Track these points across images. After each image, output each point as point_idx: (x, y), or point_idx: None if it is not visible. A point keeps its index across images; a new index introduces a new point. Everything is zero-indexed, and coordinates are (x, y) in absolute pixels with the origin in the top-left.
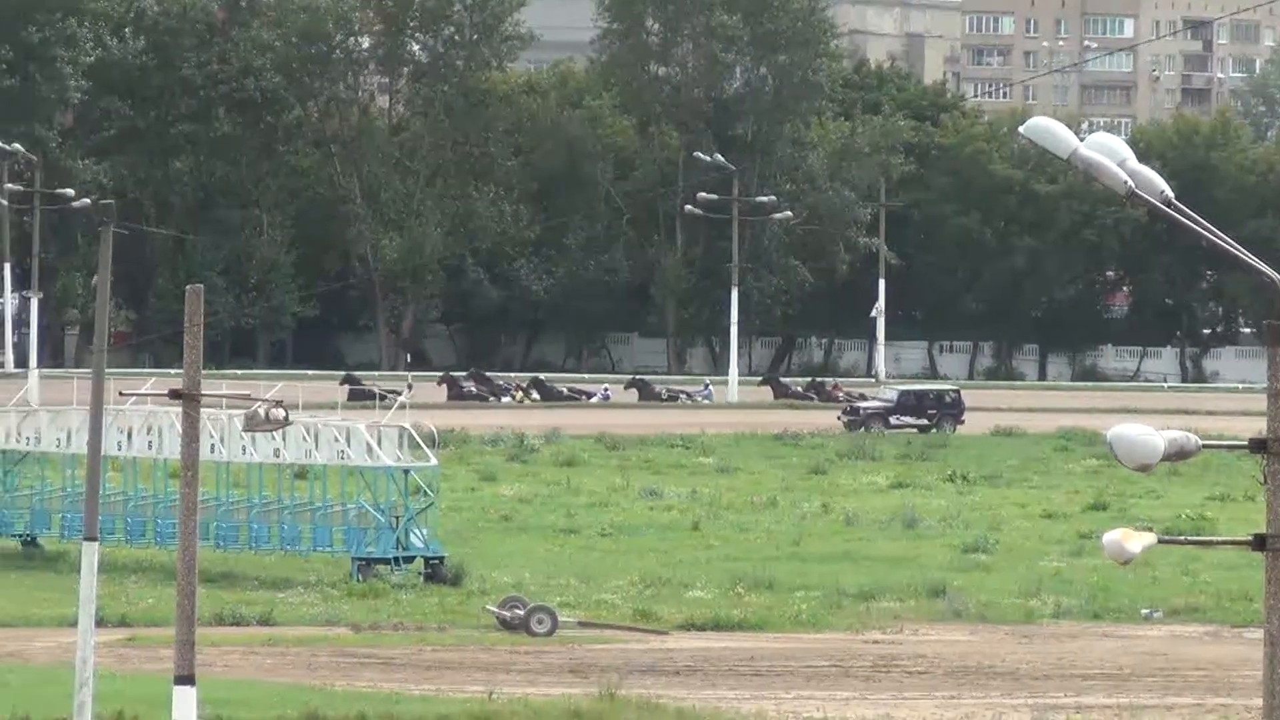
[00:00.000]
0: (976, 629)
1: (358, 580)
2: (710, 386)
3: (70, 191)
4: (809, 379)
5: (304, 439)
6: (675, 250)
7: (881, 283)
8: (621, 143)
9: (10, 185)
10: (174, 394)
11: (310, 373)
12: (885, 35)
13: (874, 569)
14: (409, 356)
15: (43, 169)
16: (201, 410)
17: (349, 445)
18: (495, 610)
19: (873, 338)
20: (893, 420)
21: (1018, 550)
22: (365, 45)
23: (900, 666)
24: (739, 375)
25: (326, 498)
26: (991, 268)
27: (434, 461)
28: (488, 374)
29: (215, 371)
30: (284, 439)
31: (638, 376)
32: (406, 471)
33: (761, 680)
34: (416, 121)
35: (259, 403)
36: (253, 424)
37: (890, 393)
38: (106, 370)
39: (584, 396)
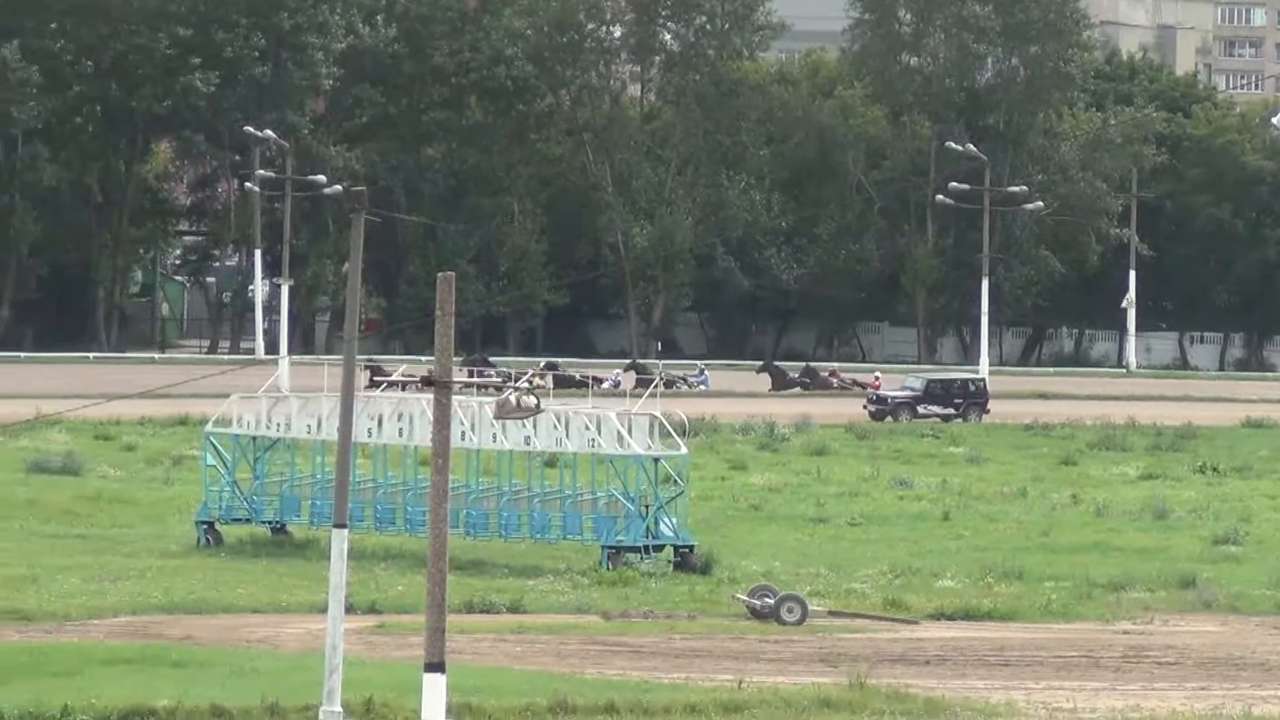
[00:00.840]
0: (1227, 620)
1: (607, 568)
2: (705, 372)
3: (322, 178)
4: (804, 364)
5: (555, 427)
6: (926, 240)
7: (1133, 274)
8: (873, 132)
9: (262, 172)
10: (425, 381)
11: (560, 360)
12: (1137, 27)
13: (1124, 560)
14: (660, 344)
15: (294, 156)
16: (452, 397)
17: (599, 433)
18: (745, 599)
19: (1123, 329)
20: (920, 410)
21: (1269, 542)
22: (617, 34)
23: (1150, 657)
24: (989, 366)
25: (576, 485)
26: (1243, 259)
27: (684, 450)
28: (491, 359)
29: (466, 359)
30: (535, 427)
31: (637, 360)
32: (657, 460)
33: (1011, 670)
34: (668, 110)
35: (510, 390)
36: (504, 411)
37: (916, 381)
38: (357, 357)
39: (597, 383)
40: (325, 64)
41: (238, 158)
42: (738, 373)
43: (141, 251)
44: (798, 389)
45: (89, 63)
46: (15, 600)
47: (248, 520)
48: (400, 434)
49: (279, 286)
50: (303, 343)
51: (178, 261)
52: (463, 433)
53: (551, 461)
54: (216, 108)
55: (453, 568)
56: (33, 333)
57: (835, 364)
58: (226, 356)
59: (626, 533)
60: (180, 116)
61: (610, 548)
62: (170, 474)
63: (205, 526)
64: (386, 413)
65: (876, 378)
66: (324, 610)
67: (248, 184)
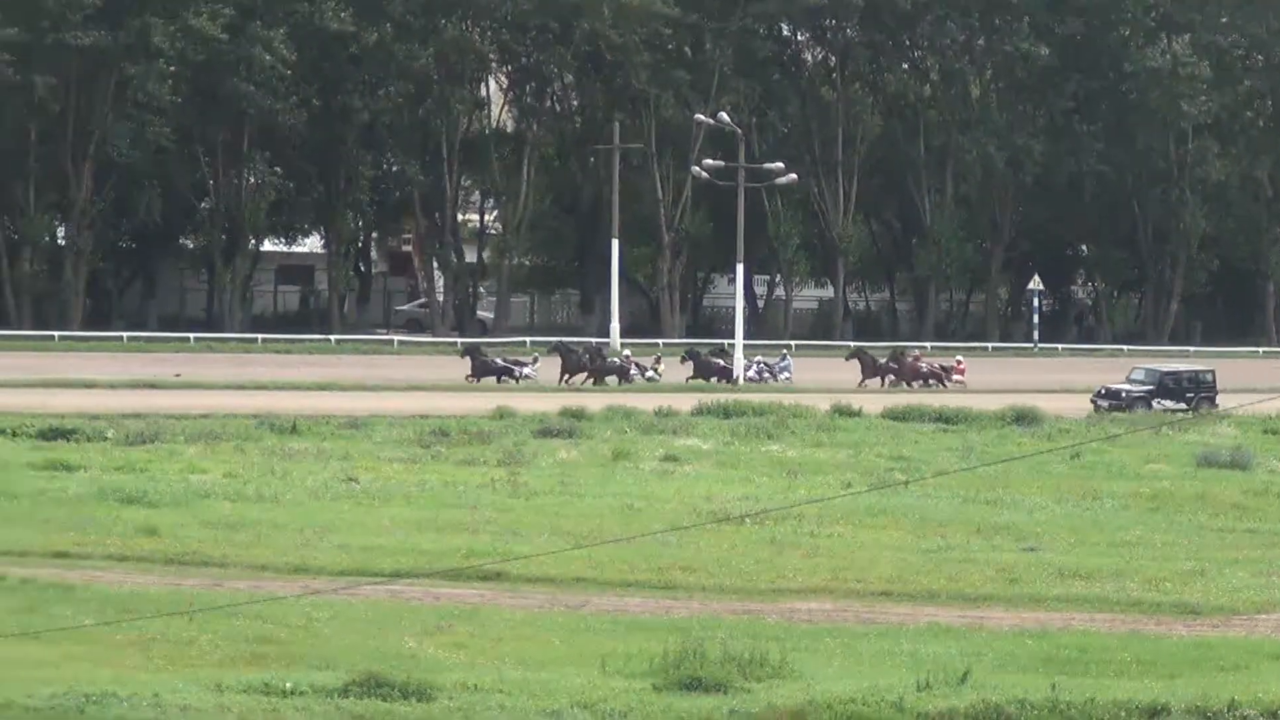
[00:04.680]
0: None
1: None
2: (789, 356)
3: None
4: (892, 348)
5: None
6: None
7: None
8: None
9: None
10: None
11: None
12: None
13: None
14: None
15: None
16: None
17: None
18: None
19: None
20: (1154, 404)
21: None
22: None
23: None
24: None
25: None
26: None
27: None
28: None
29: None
30: None
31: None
32: None
33: None
34: None
35: None
36: None
37: (1140, 374)
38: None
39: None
40: None
41: None
42: (829, 357)
43: None
44: (891, 376)
45: (1259, 57)
46: (1183, 594)
47: None
48: None
49: None
50: None
51: None
52: None
53: None
54: None
55: None
56: (1202, 327)
57: (919, 346)
58: None
59: None
60: None
61: None
62: None
63: None
64: None
65: (959, 361)
66: None
67: None
